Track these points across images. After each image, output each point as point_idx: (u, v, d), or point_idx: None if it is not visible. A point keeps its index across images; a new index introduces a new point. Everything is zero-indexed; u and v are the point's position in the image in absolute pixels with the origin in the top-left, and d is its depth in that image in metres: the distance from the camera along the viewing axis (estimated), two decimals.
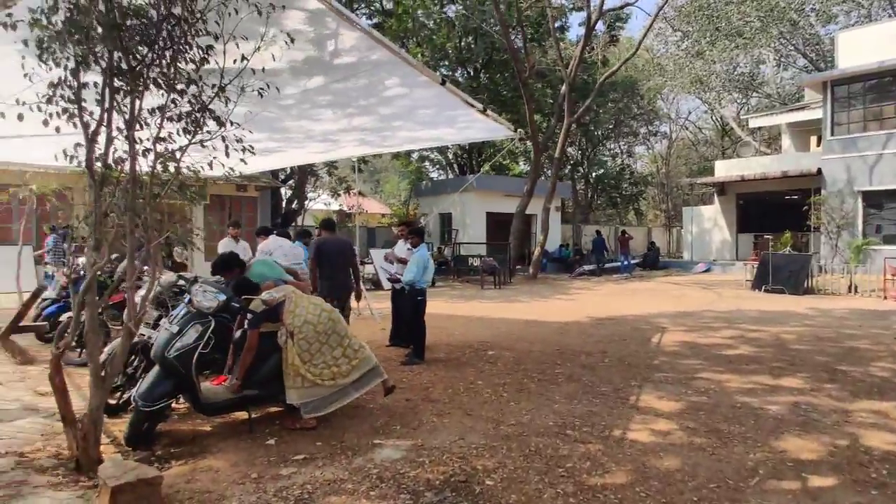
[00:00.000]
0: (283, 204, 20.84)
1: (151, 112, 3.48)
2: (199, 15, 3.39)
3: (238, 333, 4.46)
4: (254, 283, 4.58)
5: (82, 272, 4.94)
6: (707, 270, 21.30)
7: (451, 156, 28.01)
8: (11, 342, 6.34)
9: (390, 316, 7.56)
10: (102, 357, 3.94)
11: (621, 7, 23.26)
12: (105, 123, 3.35)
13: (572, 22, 57.17)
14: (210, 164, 3.64)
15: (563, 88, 19.76)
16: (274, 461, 3.58)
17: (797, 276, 14.03)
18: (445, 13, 23.48)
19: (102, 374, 3.48)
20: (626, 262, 20.79)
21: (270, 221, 17.61)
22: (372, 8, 22.45)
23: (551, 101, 24.15)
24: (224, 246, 8.12)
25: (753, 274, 15.25)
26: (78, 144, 3.34)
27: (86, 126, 3.33)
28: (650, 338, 8.05)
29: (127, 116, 3.39)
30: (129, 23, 3.26)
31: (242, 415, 4.27)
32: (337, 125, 6.79)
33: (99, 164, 3.37)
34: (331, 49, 4.69)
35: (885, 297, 12.72)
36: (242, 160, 3.69)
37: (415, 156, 27.89)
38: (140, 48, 3.34)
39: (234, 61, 3.54)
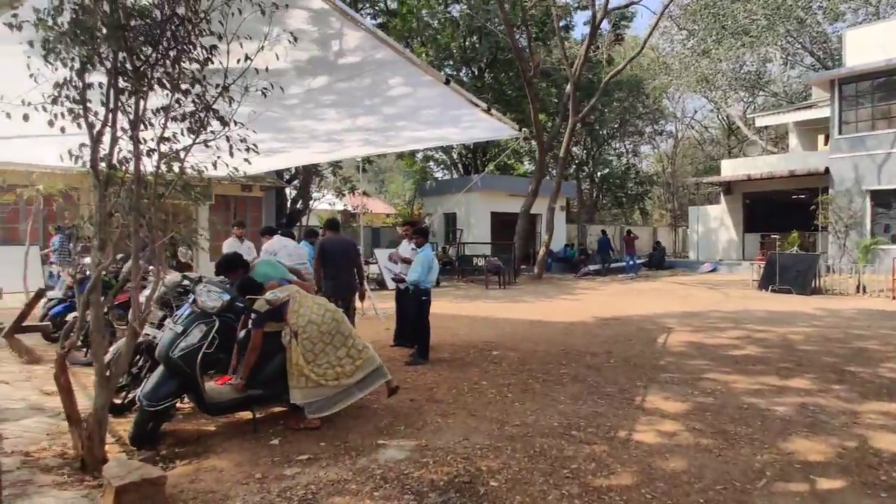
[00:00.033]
0: (288, 204, 20.87)
1: (156, 112, 3.49)
2: (202, 15, 3.39)
3: (242, 333, 4.46)
4: (258, 283, 4.58)
5: (87, 272, 4.96)
6: (713, 270, 21.20)
7: (455, 156, 27.99)
8: (18, 341, 6.37)
9: (394, 316, 7.56)
10: (107, 357, 3.95)
11: (626, 5, 23.16)
12: (110, 124, 3.36)
13: (577, 21, 57.16)
14: (214, 165, 3.64)
15: (568, 88, 19.71)
16: (278, 461, 3.57)
17: (804, 276, 13.93)
18: (450, 13, 23.47)
19: (107, 373, 3.48)
20: (631, 262, 20.70)
21: (275, 221, 17.65)
22: (376, 8, 22.46)
23: (556, 100, 24.09)
24: (229, 246, 8.13)
25: (760, 274, 15.16)
26: (83, 145, 3.35)
27: (91, 126, 3.33)
28: (656, 338, 8.01)
29: (131, 117, 3.40)
30: (133, 23, 3.26)
31: (247, 415, 4.27)
32: (341, 125, 6.78)
33: (103, 164, 3.38)
34: (335, 49, 4.68)
35: (894, 298, 12.61)
36: (246, 160, 3.68)
37: (419, 156, 27.88)
38: (144, 48, 3.34)
39: (238, 61, 3.54)
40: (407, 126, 7.17)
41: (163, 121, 3.48)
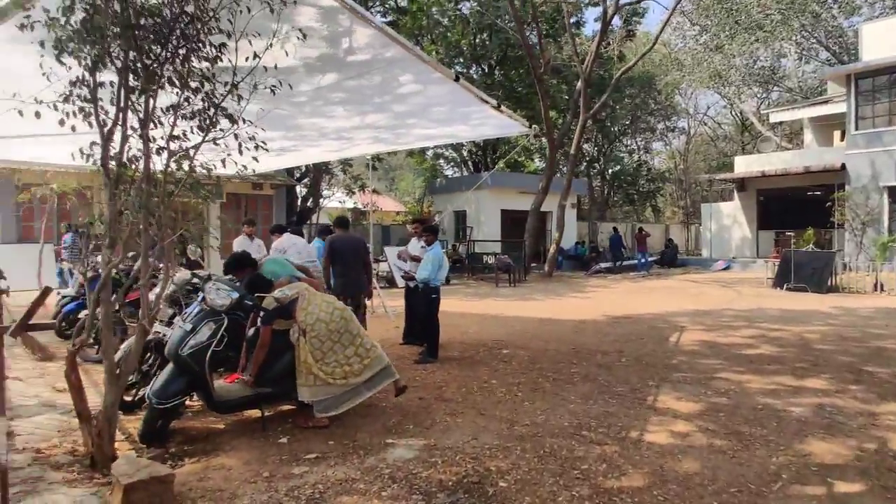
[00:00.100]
0: (299, 202, 20.95)
1: (165, 111, 3.49)
2: (211, 13, 3.38)
3: (251, 331, 4.46)
4: (267, 281, 4.58)
5: (99, 270, 4.99)
6: (727, 268, 20.97)
7: (465, 153, 27.92)
8: (31, 338, 6.43)
9: (404, 314, 7.54)
10: (118, 355, 3.97)
11: (638, 1, 22.90)
12: (120, 122, 3.36)
13: (588, 17, 56.72)
14: (223, 162, 3.63)
15: (579, 84, 19.57)
16: (286, 460, 3.57)
17: (820, 274, 13.72)
18: (460, 10, 23.38)
19: (117, 371, 3.50)
20: (643, 260, 20.54)
21: (286, 219, 17.72)
22: (386, 6, 22.44)
23: (567, 97, 23.93)
24: (239, 244, 8.17)
25: (775, 272, 14.97)
26: (94, 143, 3.35)
27: (101, 125, 3.34)
28: (668, 337, 7.92)
29: (141, 115, 3.40)
30: (143, 22, 3.26)
31: (255, 413, 4.28)
32: (350, 123, 6.77)
33: (114, 162, 3.38)
34: (344, 46, 4.66)
35: None
36: (255, 158, 3.68)
37: (429, 153, 27.84)
38: (154, 47, 3.34)
39: (247, 59, 3.53)
40: (417, 123, 7.15)
41: (172, 119, 3.49)
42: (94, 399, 3.98)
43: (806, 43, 27.14)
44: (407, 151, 24.55)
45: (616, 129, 31.95)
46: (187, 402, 4.25)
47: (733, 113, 35.19)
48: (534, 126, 7.48)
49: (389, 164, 38.87)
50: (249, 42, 3.44)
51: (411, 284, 7.12)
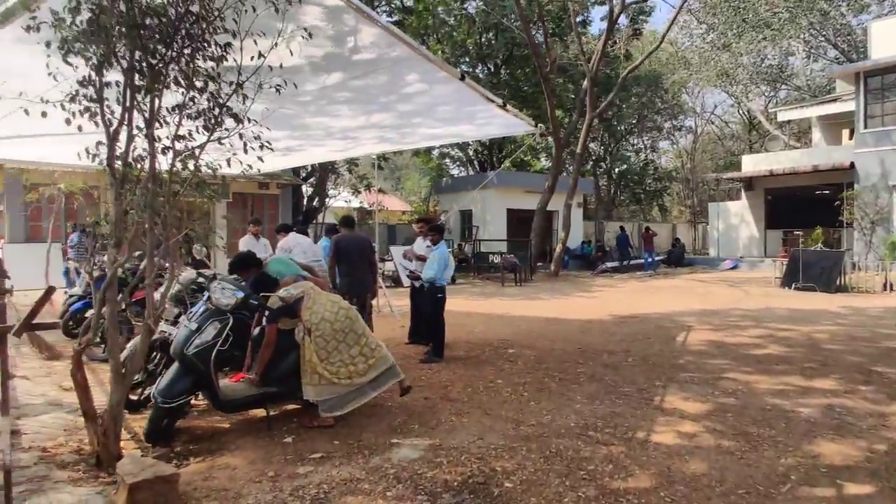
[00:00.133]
0: (305, 201, 20.98)
1: (171, 110, 3.49)
2: (216, 12, 3.38)
3: (257, 331, 4.46)
4: (273, 279, 4.58)
5: (105, 269, 5.00)
6: (734, 267, 20.84)
7: (471, 152, 27.90)
8: (38, 337, 6.46)
9: (409, 313, 7.53)
10: (124, 354, 3.98)
11: (644, 0, 22.84)
12: (126, 122, 3.37)
13: (594, 16, 56.57)
14: (228, 162, 3.64)
15: (585, 83, 19.50)
16: (291, 459, 3.56)
17: (829, 274, 13.61)
18: (465, 9, 23.35)
19: (123, 370, 3.50)
20: (650, 259, 20.46)
21: (292, 219, 17.76)
22: (392, 5, 22.44)
23: (573, 96, 23.88)
24: (245, 244, 8.18)
25: (783, 271, 14.85)
26: (100, 143, 3.36)
27: (107, 124, 3.35)
28: (675, 336, 7.87)
29: (147, 115, 3.40)
30: (148, 21, 3.26)
31: (260, 412, 4.28)
32: (356, 122, 6.76)
33: (119, 162, 3.39)
34: (350, 45, 4.65)
35: None
36: (260, 158, 3.67)
37: (435, 153, 27.84)
38: (159, 47, 3.34)
39: (252, 58, 3.53)
40: (422, 123, 7.13)
41: (178, 118, 3.49)
42: (101, 398, 3.99)
43: (814, 41, 26.89)
44: (413, 151, 24.57)
45: (622, 127, 31.82)
46: (192, 402, 4.25)
47: (741, 111, 34.96)
48: (540, 125, 7.45)
49: (395, 164, 38.93)
50: (254, 41, 3.44)
51: (417, 284, 7.11)
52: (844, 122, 21.08)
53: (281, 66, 3.86)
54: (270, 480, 3.26)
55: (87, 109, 3.28)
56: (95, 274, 5.41)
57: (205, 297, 4.20)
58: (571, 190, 19.84)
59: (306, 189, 21.57)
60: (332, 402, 4.10)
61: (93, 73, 3.23)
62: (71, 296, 7.30)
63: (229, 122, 3.60)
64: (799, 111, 23.93)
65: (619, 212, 34.82)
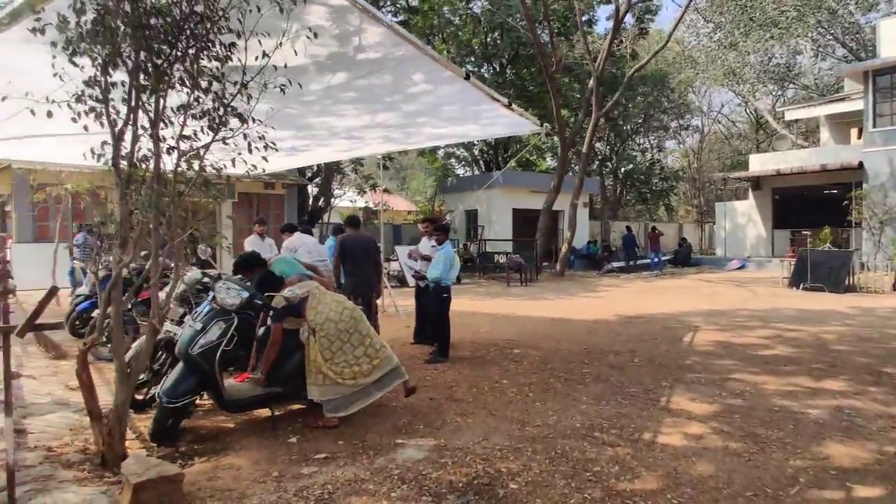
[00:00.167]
0: (310, 201, 21.02)
1: (175, 110, 3.49)
2: (221, 12, 3.38)
3: (261, 330, 4.46)
4: (278, 279, 4.58)
5: (110, 269, 5.02)
6: (741, 267, 20.71)
7: (476, 152, 27.87)
8: (45, 337, 6.50)
9: (414, 313, 7.52)
10: (129, 354, 3.99)
11: None
12: (131, 122, 3.37)
13: (600, 15, 56.24)
14: (233, 162, 3.63)
15: (591, 82, 19.44)
16: (295, 459, 3.56)
17: (837, 274, 13.49)
18: (471, 9, 23.33)
19: (128, 370, 3.51)
20: (656, 259, 20.36)
21: (297, 219, 17.79)
22: (398, 5, 22.45)
23: (579, 95, 23.78)
24: (250, 243, 8.19)
25: (790, 271, 14.74)
26: (105, 143, 3.37)
27: (112, 125, 3.35)
28: (682, 337, 7.83)
29: (152, 115, 3.41)
30: (153, 22, 3.27)
31: (265, 412, 4.27)
32: (361, 122, 6.76)
33: (124, 162, 3.39)
34: (354, 45, 4.64)
35: None
36: (264, 158, 3.67)
37: (440, 152, 27.82)
38: (164, 47, 3.35)
39: (256, 58, 3.52)
40: (427, 123, 7.11)
41: (182, 118, 3.49)
42: (106, 397, 3.99)
43: (822, 39, 26.69)
44: (418, 151, 24.55)
45: (629, 127, 31.70)
46: (197, 402, 4.26)
47: (748, 111, 34.75)
48: (545, 125, 7.41)
49: (400, 164, 38.92)
50: (259, 41, 3.44)
51: (422, 284, 7.10)
52: (853, 121, 20.91)
53: (286, 65, 3.86)
54: (275, 481, 3.25)
55: (93, 109, 3.29)
56: (101, 274, 5.42)
57: (210, 297, 4.21)
58: (577, 189, 19.78)
59: (312, 189, 21.61)
60: (336, 402, 4.09)
61: (98, 74, 3.24)
62: (78, 295, 7.34)
63: (234, 122, 3.59)
64: (807, 110, 23.76)
65: (626, 211, 34.69)
